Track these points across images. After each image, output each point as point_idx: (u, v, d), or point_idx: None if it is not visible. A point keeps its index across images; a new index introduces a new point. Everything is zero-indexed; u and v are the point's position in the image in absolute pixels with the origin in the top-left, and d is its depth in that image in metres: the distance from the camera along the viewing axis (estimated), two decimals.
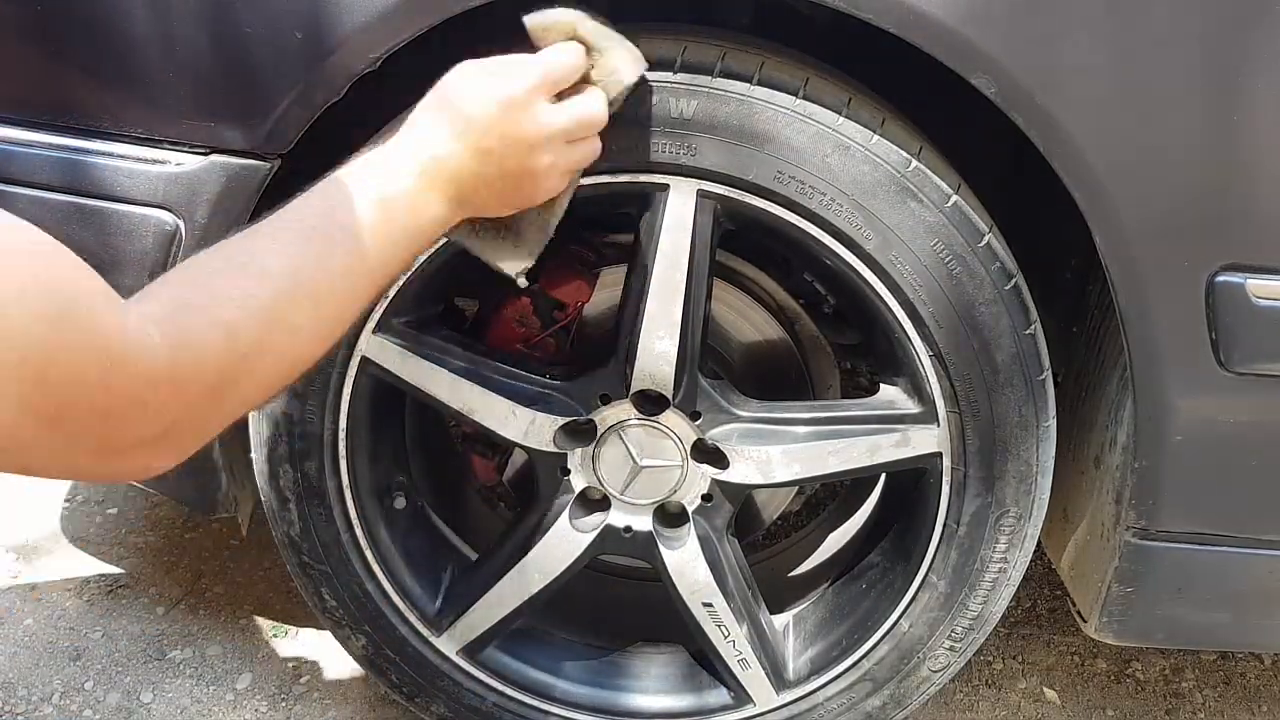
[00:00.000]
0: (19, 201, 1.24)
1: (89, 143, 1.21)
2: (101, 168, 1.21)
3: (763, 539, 1.86)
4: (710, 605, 1.39)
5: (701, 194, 1.18)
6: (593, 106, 1.04)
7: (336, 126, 1.20)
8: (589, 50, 1.05)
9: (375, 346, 1.28)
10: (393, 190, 0.95)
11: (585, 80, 1.06)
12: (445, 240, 1.22)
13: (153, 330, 0.76)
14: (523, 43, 1.23)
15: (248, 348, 0.81)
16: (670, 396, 1.28)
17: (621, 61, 1.07)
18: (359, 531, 1.39)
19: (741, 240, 1.40)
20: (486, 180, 0.99)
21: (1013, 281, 1.19)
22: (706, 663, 1.48)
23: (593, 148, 1.08)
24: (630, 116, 1.13)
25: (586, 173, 1.17)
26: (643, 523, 1.39)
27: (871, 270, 1.19)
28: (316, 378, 1.28)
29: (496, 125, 0.98)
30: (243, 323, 0.81)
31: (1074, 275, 1.40)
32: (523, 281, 1.16)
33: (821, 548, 1.68)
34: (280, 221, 0.90)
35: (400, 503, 1.46)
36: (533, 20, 1.05)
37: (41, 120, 1.23)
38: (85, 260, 1.20)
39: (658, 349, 1.25)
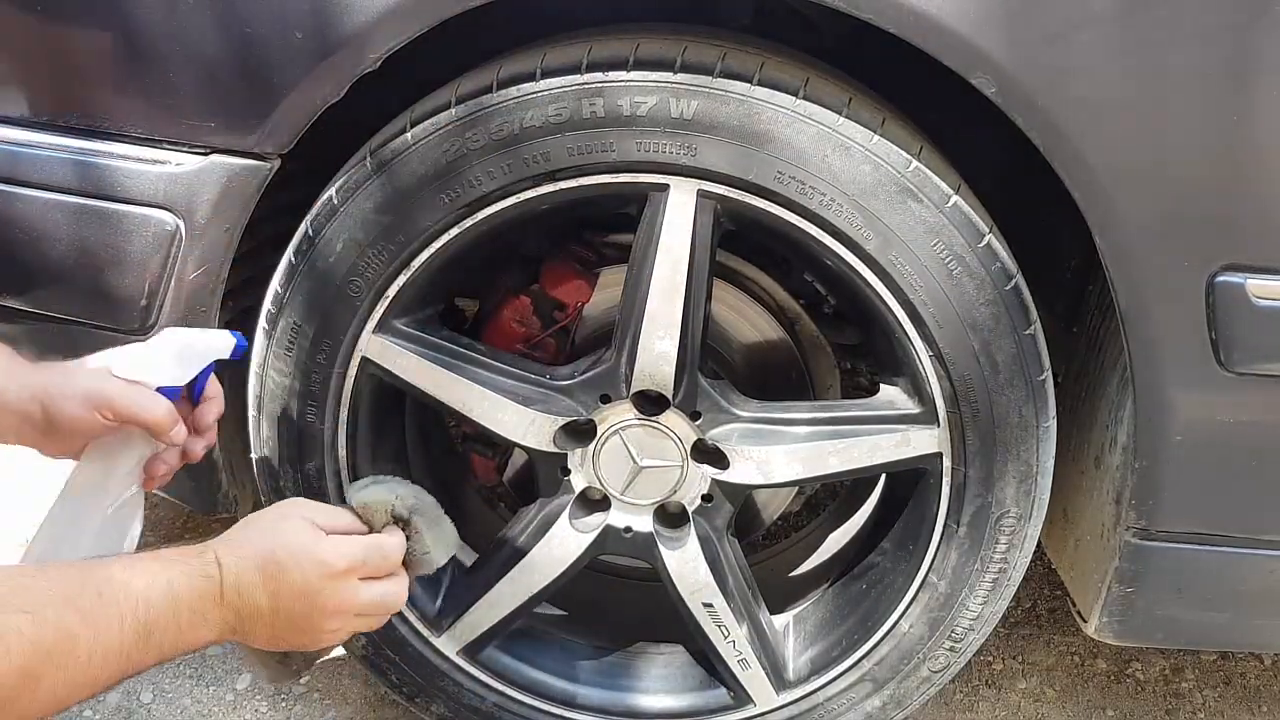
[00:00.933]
0: (20, 201, 1.25)
1: (89, 143, 1.22)
2: (102, 168, 1.21)
3: (763, 539, 1.86)
4: (710, 605, 1.39)
5: (701, 194, 1.18)
6: (395, 594, 1.11)
7: (336, 126, 1.20)
8: (405, 526, 1.13)
9: (376, 347, 1.28)
10: (173, 601, 0.94)
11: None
12: (446, 241, 1.22)
13: None
14: (520, 44, 1.24)
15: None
16: (670, 396, 1.28)
17: (435, 543, 1.14)
18: None
19: (741, 240, 1.40)
20: (270, 623, 1.03)
21: (1013, 281, 1.19)
22: (707, 663, 1.48)
23: (377, 624, 1.14)
24: (630, 116, 1.14)
25: (589, 173, 1.17)
26: (643, 523, 1.39)
27: (871, 270, 1.19)
28: (316, 378, 1.28)
29: (302, 585, 1.02)
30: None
31: (1074, 275, 1.40)
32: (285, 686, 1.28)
33: (821, 548, 1.68)
34: (61, 587, 0.89)
35: None
36: (357, 499, 1.13)
37: (42, 120, 1.23)
38: (86, 260, 1.20)
39: (658, 349, 1.25)
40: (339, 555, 1.05)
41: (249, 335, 1.23)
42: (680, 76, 1.13)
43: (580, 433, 1.34)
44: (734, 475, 1.33)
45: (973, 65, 1.07)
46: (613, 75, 1.14)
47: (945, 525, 1.31)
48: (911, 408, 1.28)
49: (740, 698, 1.45)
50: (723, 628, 1.40)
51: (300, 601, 1.03)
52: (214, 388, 1.17)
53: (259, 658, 1.25)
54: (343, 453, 1.34)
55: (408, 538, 1.13)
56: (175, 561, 0.97)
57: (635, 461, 1.33)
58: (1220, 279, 1.11)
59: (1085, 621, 1.38)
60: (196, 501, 1.43)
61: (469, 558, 1.53)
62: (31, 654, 0.82)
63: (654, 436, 1.32)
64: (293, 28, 1.13)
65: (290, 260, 1.25)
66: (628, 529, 1.39)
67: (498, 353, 1.36)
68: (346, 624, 1.09)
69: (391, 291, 1.25)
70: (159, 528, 2.01)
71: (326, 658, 1.74)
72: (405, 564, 1.13)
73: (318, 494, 1.35)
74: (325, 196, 1.23)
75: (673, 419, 1.31)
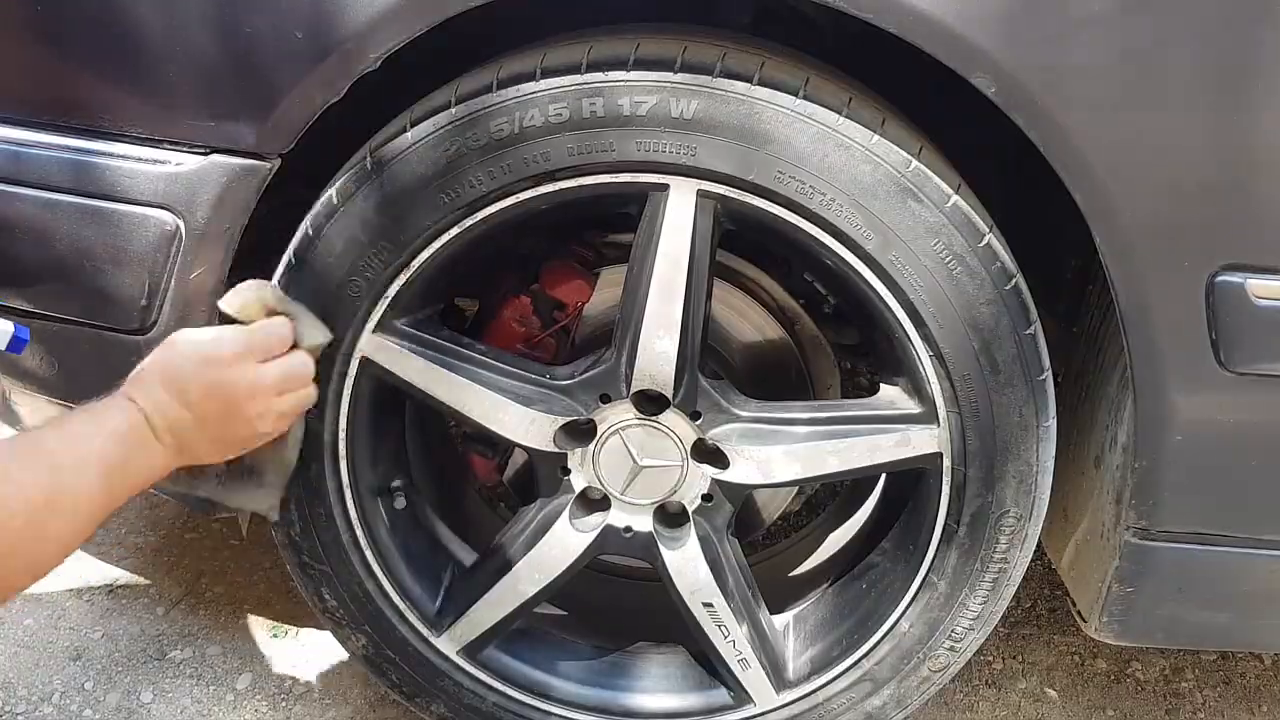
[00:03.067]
0: (20, 201, 1.25)
1: (90, 142, 1.22)
2: (102, 167, 1.21)
3: (763, 539, 1.86)
4: (710, 605, 1.39)
5: (701, 194, 1.18)
6: (298, 366, 1.19)
7: (336, 126, 1.20)
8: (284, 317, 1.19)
9: (375, 347, 1.28)
10: (116, 440, 1.06)
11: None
12: (446, 241, 1.22)
13: None
14: (520, 43, 1.24)
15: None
16: (670, 396, 1.28)
17: (311, 327, 1.21)
18: (359, 531, 1.39)
19: (741, 240, 1.40)
20: (200, 429, 1.12)
21: (1013, 281, 1.19)
22: (707, 663, 1.48)
23: (306, 395, 1.22)
24: (630, 116, 1.14)
25: (589, 173, 1.17)
26: (643, 523, 1.39)
27: (872, 270, 1.19)
28: (316, 377, 1.28)
29: (204, 382, 1.11)
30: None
31: (1074, 275, 1.40)
32: (274, 516, 1.33)
33: (821, 548, 1.68)
34: (25, 452, 1.01)
35: (400, 503, 1.46)
36: (227, 304, 1.18)
37: (43, 120, 1.23)
38: (86, 260, 1.21)
39: (658, 349, 1.25)
40: (225, 344, 1.13)
41: None
42: (680, 76, 1.13)
43: (580, 432, 1.34)
44: (734, 475, 1.33)
45: (972, 65, 1.07)
46: (613, 75, 1.14)
47: (945, 525, 1.31)
48: (911, 408, 1.28)
49: (740, 697, 1.45)
50: (723, 628, 1.40)
51: (212, 400, 1.11)
52: None
53: (241, 496, 1.29)
54: (343, 452, 1.34)
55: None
56: (105, 415, 1.07)
57: (635, 461, 1.33)
58: (1220, 279, 1.11)
59: (1085, 621, 1.38)
60: (197, 502, 1.43)
61: (469, 557, 1.54)
62: (30, 513, 0.96)
63: (654, 436, 1.32)
64: (293, 28, 1.13)
65: (290, 260, 1.25)
66: (628, 529, 1.39)
67: (498, 353, 1.36)
68: (271, 405, 1.16)
69: (391, 291, 1.25)
70: (159, 527, 2.01)
71: (328, 661, 1.74)
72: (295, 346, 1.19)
73: (318, 494, 1.35)
74: (325, 196, 1.23)
75: (673, 419, 1.31)
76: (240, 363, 1.13)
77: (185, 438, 1.11)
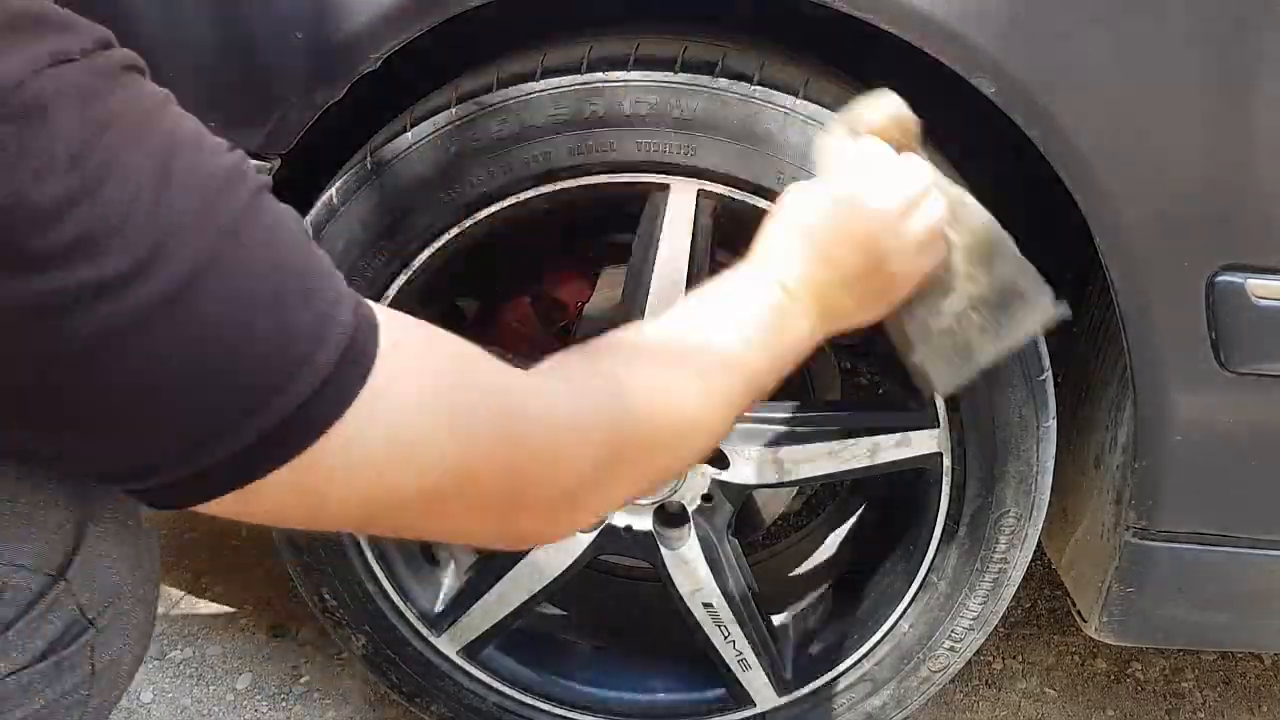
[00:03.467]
0: None
1: None
2: None
3: (763, 539, 1.86)
4: (710, 606, 1.39)
5: (701, 194, 1.18)
6: (939, 214, 1.00)
7: (336, 126, 1.20)
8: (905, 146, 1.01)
9: None
10: (760, 303, 0.95)
11: None
12: (446, 241, 1.22)
13: (553, 380, 0.82)
14: (520, 43, 1.23)
15: (633, 403, 0.83)
16: None
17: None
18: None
19: (742, 241, 1.40)
20: (844, 288, 0.98)
21: None
22: (706, 663, 1.48)
23: (932, 205, 1.00)
24: (630, 116, 1.14)
25: (589, 173, 1.17)
26: (642, 523, 1.39)
27: None
28: None
29: (846, 238, 0.97)
30: (628, 380, 0.85)
31: (1074, 275, 1.40)
32: (1065, 312, 1.09)
33: (821, 548, 1.68)
34: (668, 317, 0.95)
35: None
36: (870, 113, 1.00)
37: None
38: None
39: None
40: (872, 196, 0.97)
41: None
42: (680, 76, 1.13)
43: None
44: (734, 475, 1.33)
45: (972, 65, 1.07)
46: (613, 75, 1.14)
47: (945, 525, 1.31)
48: (912, 408, 1.28)
49: (740, 698, 1.45)
50: (723, 628, 1.40)
51: (857, 255, 0.96)
52: None
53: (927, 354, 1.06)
54: None
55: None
56: (751, 292, 0.96)
57: None
58: (1220, 279, 1.11)
59: (1085, 621, 1.38)
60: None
61: (469, 557, 1.53)
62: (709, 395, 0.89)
63: None
64: (293, 27, 1.13)
65: None
66: (627, 529, 1.39)
67: (498, 353, 1.35)
68: (906, 232, 0.97)
69: (391, 292, 1.25)
70: (159, 527, 2.00)
71: (328, 661, 1.74)
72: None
73: None
74: (325, 196, 1.23)
75: None
76: (900, 221, 0.97)
77: (829, 301, 0.97)
